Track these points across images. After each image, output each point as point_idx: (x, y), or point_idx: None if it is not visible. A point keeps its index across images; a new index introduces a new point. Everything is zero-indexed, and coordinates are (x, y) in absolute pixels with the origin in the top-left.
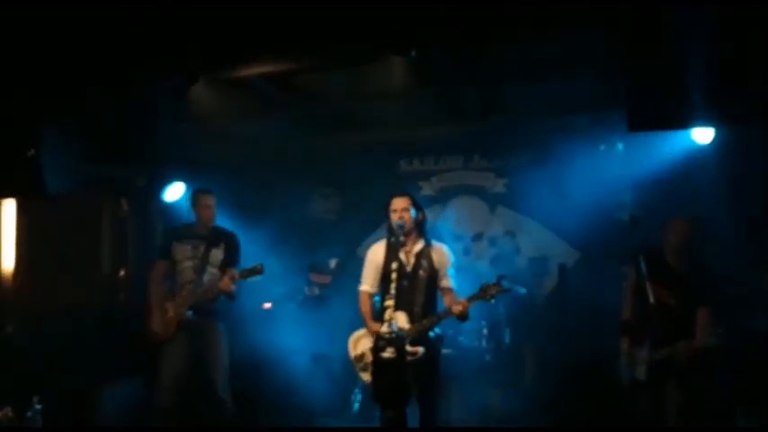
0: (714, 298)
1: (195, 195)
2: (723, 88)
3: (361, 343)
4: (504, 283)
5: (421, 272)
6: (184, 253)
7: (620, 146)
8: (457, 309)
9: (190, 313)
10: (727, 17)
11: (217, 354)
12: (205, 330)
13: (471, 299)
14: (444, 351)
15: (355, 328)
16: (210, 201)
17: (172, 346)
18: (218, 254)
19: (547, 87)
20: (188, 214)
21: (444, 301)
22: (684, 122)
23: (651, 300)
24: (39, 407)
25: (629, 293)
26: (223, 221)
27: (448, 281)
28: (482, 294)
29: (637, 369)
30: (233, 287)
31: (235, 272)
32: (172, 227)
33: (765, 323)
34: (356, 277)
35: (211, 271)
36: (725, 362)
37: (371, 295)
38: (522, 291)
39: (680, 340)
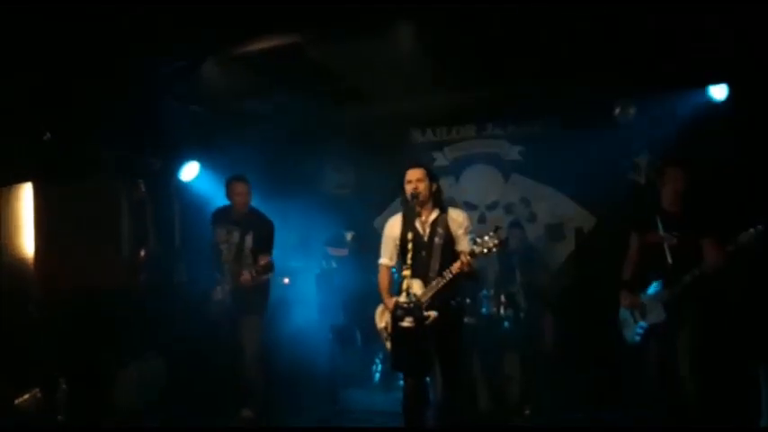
0: (716, 229)
1: (228, 183)
2: (737, 45)
3: (386, 315)
4: (501, 234)
5: (436, 239)
6: (220, 236)
7: (634, 108)
8: (457, 265)
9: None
10: None
11: (245, 335)
12: (238, 311)
13: (471, 254)
14: (465, 320)
15: (372, 299)
16: (242, 188)
17: (222, 324)
18: (249, 240)
19: (559, 51)
20: (208, 193)
21: None
22: (699, 80)
23: (660, 242)
24: (65, 387)
25: (630, 260)
26: None
27: (464, 244)
28: (481, 248)
29: (652, 313)
30: (251, 281)
31: (252, 271)
32: (213, 211)
33: None
34: (372, 249)
35: (246, 255)
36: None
37: (390, 268)
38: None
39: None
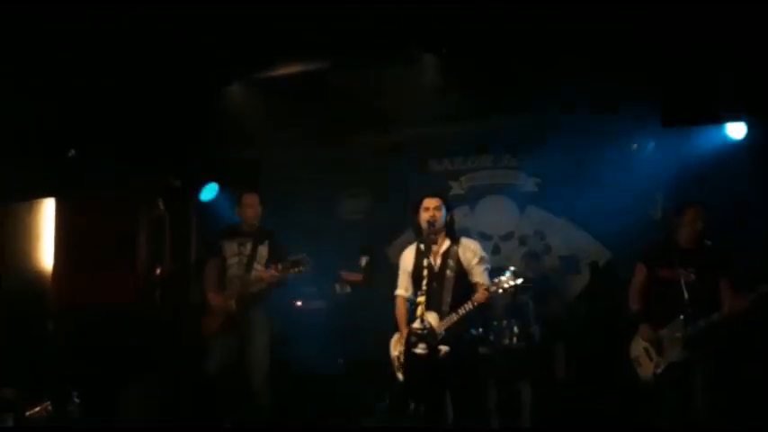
0: (731, 269)
1: (239, 195)
2: (757, 82)
3: (400, 344)
4: (518, 275)
5: (448, 271)
6: (232, 250)
7: (652, 143)
8: (477, 297)
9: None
10: (759, 13)
11: (254, 343)
12: (245, 321)
13: (488, 290)
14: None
15: (385, 325)
16: (253, 200)
17: (219, 338)
18: (263, 251)
19: (578, 85)
20: (226, 213)
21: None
22: (717, 117)
23: (676, 278)
24: (77, 401)
25: (637, 289)
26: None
27: (479, 275)
28: (497, 287)
29: (671, 350)
30: (278, 277)
31: (279, 265)
32: (222, 227)
33: None
34: (386, 276)
35: (257, 267)
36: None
37: (406, 299)
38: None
39: (711, 311)
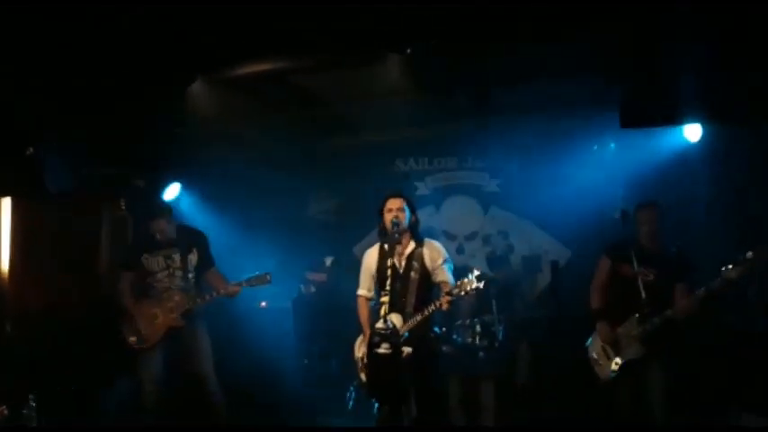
0: (689, 275)
1: (150, 222)
2: (713, 86)
3: (364, 345)
4: (481, 278)
5: (412, 273)
6: (158, 264)
7: (612, 145)
8: (440, 303)
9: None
10: (718, 17)
11: (201, 351)
12: (188, 332)
13: (451, 293)
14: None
15: (349, 325)
16: (159, 226)
17: (155, 350)
18: (193, 259)
19: (540, 88)
20: (188, 215)
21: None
22: (675, 119)
23: (634, 276)
24: (34, 405)
25: (599, 284)
26: (220, 221)
27: (443, 275)
28: (459, 290)
29: (629, 348)
30: (238, 291)
31: (243, 281)
32: (139, 239)
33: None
34: (351, 276)
35: (190, 277)
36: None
37: (368, 299)
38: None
39: (666, 310)
